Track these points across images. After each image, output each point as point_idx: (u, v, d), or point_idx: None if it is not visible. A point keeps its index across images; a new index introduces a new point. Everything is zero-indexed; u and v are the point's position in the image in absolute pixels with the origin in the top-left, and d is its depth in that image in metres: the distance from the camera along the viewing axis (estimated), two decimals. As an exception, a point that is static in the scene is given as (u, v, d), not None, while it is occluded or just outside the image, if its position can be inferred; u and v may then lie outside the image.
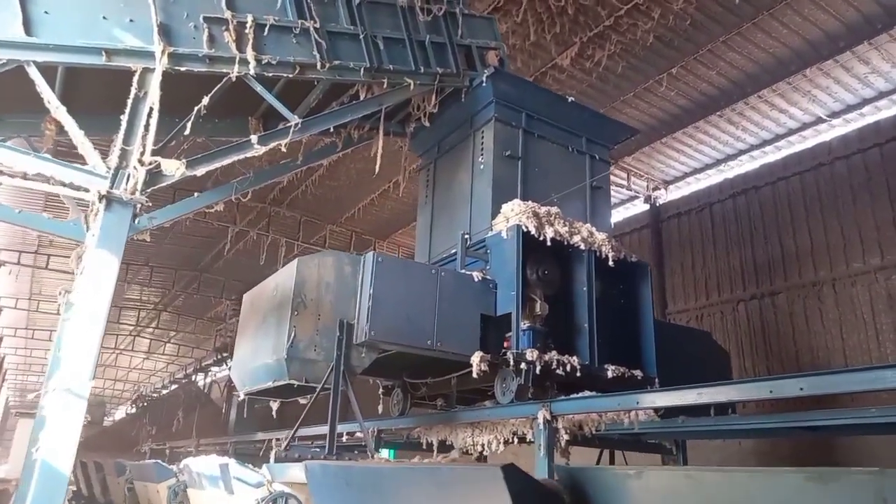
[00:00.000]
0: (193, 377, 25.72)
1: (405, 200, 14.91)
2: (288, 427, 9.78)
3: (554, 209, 6.08)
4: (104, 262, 3.68)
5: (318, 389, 5.00)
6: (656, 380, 6.10)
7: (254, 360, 5.48)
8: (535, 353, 5.46)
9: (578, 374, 5.64)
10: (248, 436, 11.96)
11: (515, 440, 5.46)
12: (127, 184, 3.98)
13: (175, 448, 12.84)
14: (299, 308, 5.05)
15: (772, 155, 11.30)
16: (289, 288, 5.11)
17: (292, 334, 4.94)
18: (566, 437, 4.83)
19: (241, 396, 5.82)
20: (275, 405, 6.29)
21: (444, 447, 6.11)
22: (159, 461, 9.09)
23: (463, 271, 5.80)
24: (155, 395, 26.59)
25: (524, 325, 5.64)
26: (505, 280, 5.71)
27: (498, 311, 5.73)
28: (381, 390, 7.04)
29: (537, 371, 5.43)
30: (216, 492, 6.07)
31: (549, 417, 4.68)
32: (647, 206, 12.59)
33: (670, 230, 11.92)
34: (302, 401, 6.11)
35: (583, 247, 6.05)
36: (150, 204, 4.07)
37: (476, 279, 5.73)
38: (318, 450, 5.35)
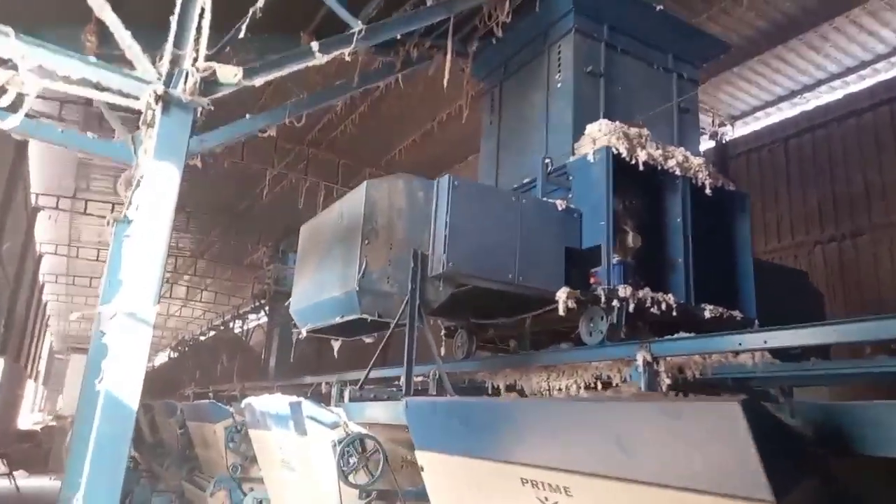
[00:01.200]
0: (231, 324, 25.75)
1: (449, 140, 14.24)
2: (334, 371, 9.40)
3: (644, 131, 5.42)
4: (165, 173, 3.17)
5: (392, 325, 4.51)
6: (756, 321, 5.51)
7: (318, 294, 5.00)
8: (629, 289, 4.90)
9: (674, 313, 5.09)
10: (295, 380, 11.64)
11: (599, 385, 4.94)
12: (185, 84, 3.43)
13: (219, 391, 12.67)
14: (370, 236, 4.52)
15: (854, 85, 10.36)
16: (358, 214, 4.58)
17: (363, 265, 4.42)
18: (667, 380, 4.17)
19: (303, 334, 5.38)
20: (336, 344, 5.85)
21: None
22: (215, 401, 8.79)
23: (545, 199, 5.22)
24: (195, 340, 26.72)
25: (614, 259, 5.07)
26: (592, 209, 5.10)
27: (584, 243, 5.16)
28: (443, 332, 6.55)
29: (630, 309, 4.88)
30: (284, 433, 5.66)
31: (649, 359, 4.04)
32: (712, 144, 11.74)
33: (738, 169, 11.09)
34: (367, 339, 5.66)
35: (678, 172, 5.40)
36: (212, 108, 3.52)
37: (560, 208, 5.14)
38: (394, 390, 4.90)
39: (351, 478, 4.36)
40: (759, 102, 11.36)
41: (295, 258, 20.31)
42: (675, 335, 4.66)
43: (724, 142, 11.53)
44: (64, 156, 15.33)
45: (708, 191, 5.49)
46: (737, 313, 5.44)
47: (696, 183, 5.50)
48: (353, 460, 4.43)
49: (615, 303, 4.81)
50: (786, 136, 10.63)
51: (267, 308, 19.87)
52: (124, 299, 3.47)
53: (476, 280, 4.70)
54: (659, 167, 5.34)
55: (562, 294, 4.82)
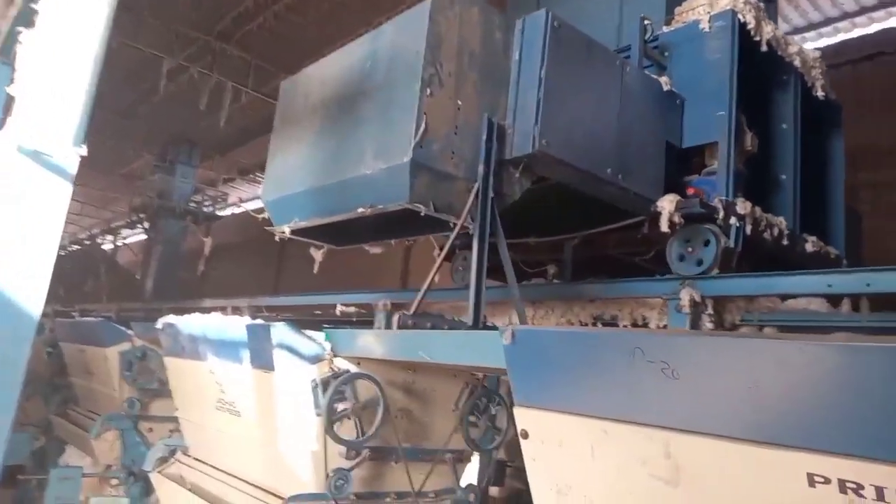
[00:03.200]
0: (99, 239, 22.70)
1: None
2: (240, 294, 7.69)
3: (761, 3, 4.13)
4: None
5: (456, 227, 3.02)
6: (844, 260, 4.53)
7: (324, 175, 3.36)
8: (748, 205, 3.70)
9: (785, 241, 3.96)
10: (190, 302, 9.58)
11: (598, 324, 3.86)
12: None
13: (87, 311, 10.68)
14: (433, 84, 2.93)
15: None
16: (416, 50, 2.94)
17: (422, 126, 2.86)
18: (709, 324, 3.27)
19: (285, 234, 3.72)
20: (319, 255, 4.22)
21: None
22: (107, 319, 6.99)
23: (647, 73, 3.83)
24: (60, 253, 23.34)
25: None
26: (704, 95, 3.79)
27: (686, 140, 3.87)
28: (436, 250, 5.04)
29: (748, 231, 3.68)
30: (230, 365, 4.10)
31: (698, 298, 3.17)
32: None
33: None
34: (374, 250, 4.10)
35: (797, 64, 4.21)
36: None
37: (665, 87, 3.79)
38: (446, 317, 3.44)
39: (341, 431, 3.23)
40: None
41: (185, 171, 18.02)
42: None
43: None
44: None
45: (820, 93, 4.35)
46: (833, 249, 4.42)
47: (807, 82, 4.35)
48: (340, 407, 3.22)
49: (733, 220, 3.59)
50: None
51: (147, 224, 17.42)
52: (29, 130, 1.92)
53: (569, 171, 3.27)
54: (779, 52, 4.11)
55: (668, 204, 3.53)
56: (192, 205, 17.67)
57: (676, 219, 3.53)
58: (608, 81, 3.43)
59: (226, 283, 17.90)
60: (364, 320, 5.06)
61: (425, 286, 3.10)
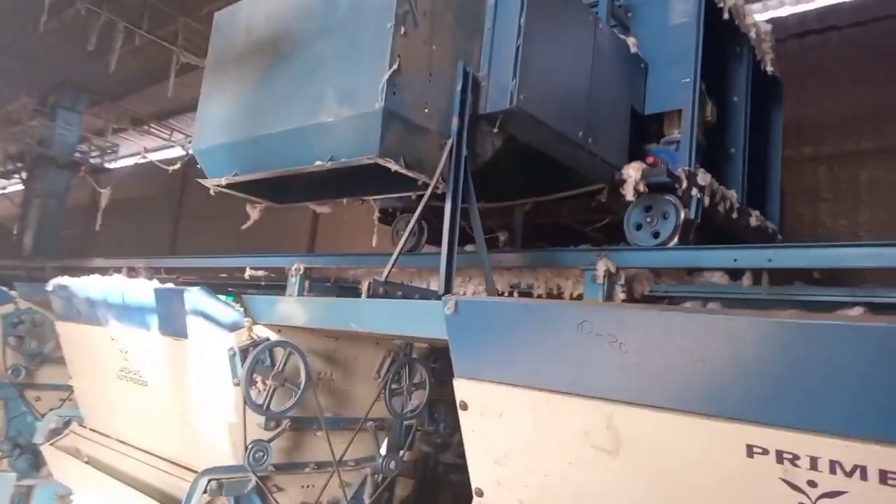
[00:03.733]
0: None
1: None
2: (133, 254, 7.15)
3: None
4: None
5: (430, 186, 2.72)
6: (779, 235, 4.63)
7: (274, 122, 2.93)
8: (708, 176, 3.65)
9: (735, 214, 3.97)
10: (78, 262, 8.77)
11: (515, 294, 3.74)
12: None
13: None
14: (407, 23, 2.62)
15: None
16: None
17: (394, 69, 2.54)
18: (622, 296, 3.23)
19: (220, 185, 3.29)
20: (255, 212, 3.81)
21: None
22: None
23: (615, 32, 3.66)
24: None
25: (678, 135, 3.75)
26: (668, 60, 3.70)
27: (647, 106, 3.76)
28: (376, 214, 4.77)
29: (706, 203, 3.63)
30: (136, 331, 3.76)
31: (612, 269, 3.12)
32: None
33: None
34: (321, 209, 3.77)
35: (752, 35, 4.19)
36: None
37: (632, 49, 3.65)
38: (419, 286, 3.19)
39: (261, 401, 3.11)
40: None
41: (69, 117, 16.43)
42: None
43: None
44: None
45: (769, 67, 4.38)
46: (770, 224, 4.50)
47: (757, 55, 4.35)
48: (260, 377, 3.15)
49: (694, 192, 3.53)
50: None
51: (24, 174, 15.87)
52: None
53: (543, 132, 3.05)
54: (736, 22, 4.06)
55: (634, 172, 3.42)
56: (78, 155, 16.20)
57: (641, 188, 3.42)
58: (582, 37, 3.25)
59: (118, 241, 16.68)
60: (274, 285, 4.85)
61: (397, 251, 2.81)
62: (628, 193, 3.42)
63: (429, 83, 2.70)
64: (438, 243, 3.83)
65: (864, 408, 1.28)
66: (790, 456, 1.34)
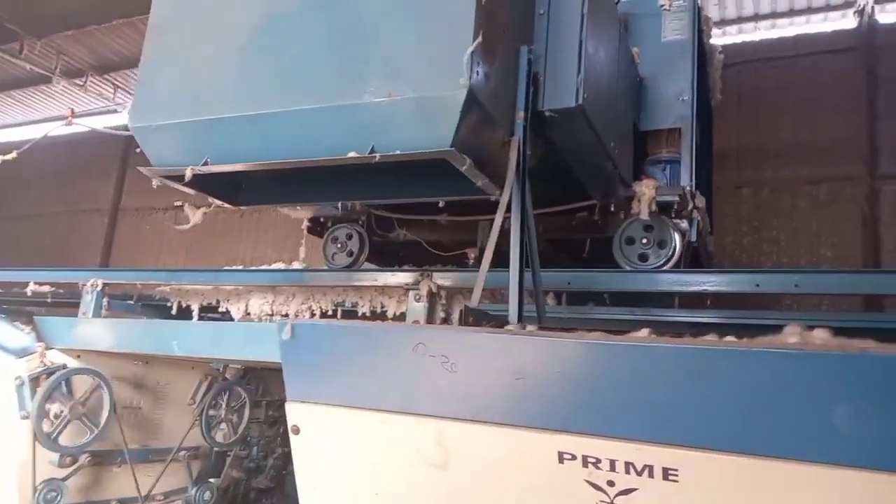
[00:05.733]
0: None
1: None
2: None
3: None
4: None
5: (504, 193, 2.24)
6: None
7: (281, 97, 2.30)
8: (703, 199, 3.56)
9: (706, 238, 3.95)
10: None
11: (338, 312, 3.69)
12: None
13: None
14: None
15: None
16: None
17: (479, 41, 2.02)
18: (442, 314, 3.31)
19: (172, 177, 2.54)
20: (198, 214, 3.03)
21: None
22: None
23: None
24: None
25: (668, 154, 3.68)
26: (664, 77, 3.68)
27: (642, 122, 3.69)
28: (305, 224, 4.09)
29: (700, 227, 3.50)
30: None
31: (434, 289, 3.17)
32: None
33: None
34: (297, 214, 3.77)
35: (708, 57, 4.33)
36: None
37: (636, 59, 3.62)
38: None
39: (55, 436, 2.84)
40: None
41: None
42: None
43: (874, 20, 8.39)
44: None
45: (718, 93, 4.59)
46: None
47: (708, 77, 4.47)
48: (54, 408, 2.89)
49: (695, 214, 3.40)
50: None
51: None
52: None
53: (589, 138, 2.70)
54: (704, 41, 4.11)
55: (647, 189, 3.24)
56: None
57: (654, 207, 3.24)
58: (614, 39, 3.04)
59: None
60: (63, 303, 4.37)
61: (483, 272, 2.26)
62: (643, 212, 3.22)
63: (496, 66, 2.21)
64: (380, 260, 3.99)
65: (649, 415, 1.48)
66: (593, 460, 1.54)
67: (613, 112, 3.02)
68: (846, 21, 8.52)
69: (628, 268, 3.26)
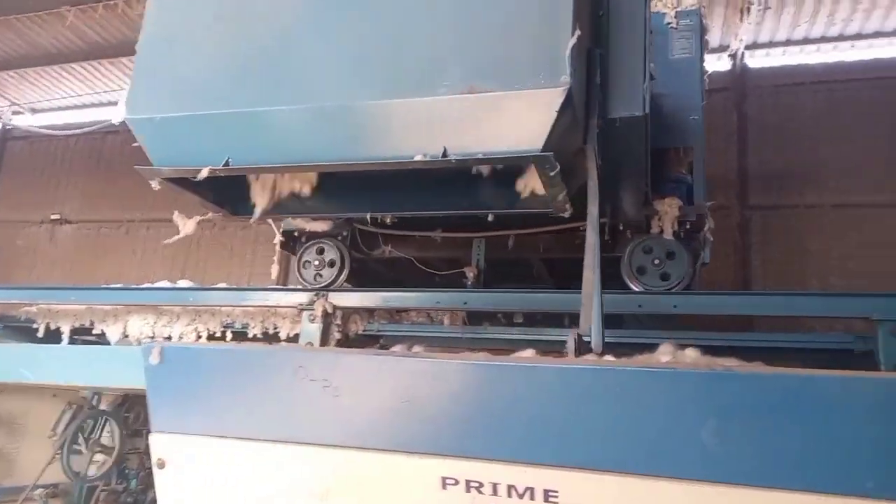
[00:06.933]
0: None
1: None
2: None
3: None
4: None
5: (592, 203, 2.09)
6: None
7: (335, 90, 2.00)
8: (712, 220, 3.29)
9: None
10: None
11: (227, 334, 3.49)
12: None
13: None
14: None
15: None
16: None
17: (578, 34, 1.86)
18: (338, 334, 3.21)
19: (176, 177, 2.21)
20: (191, 224, 2.70)
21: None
22: None
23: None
24: None
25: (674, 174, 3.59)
26: (674, 96, 3.54)
27: (652, 140, 3.49)
28: (278, 239, 3.69)
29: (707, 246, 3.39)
30: None
31: (329, 309, 3.08)
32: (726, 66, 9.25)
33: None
34: (312, 226, 3.35)
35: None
36: None
37: (654, 75, 3.45)
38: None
39: None
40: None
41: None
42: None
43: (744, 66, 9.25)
44: None
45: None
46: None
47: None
48: None
49: (708, 234, 3.24)
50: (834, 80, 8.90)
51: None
52: None
53: (641, 150, 2.56)
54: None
55: (670, 209, 2.99)
56: None
57: (676, 226, 3.02)
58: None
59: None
60: None
61: (588, 296, 1.99)
62: (667, 231, 2.99)
63: (578, 67, 1.99)
64: (362, 280, 3.73)
65: (530, 437, 1.52)
66: (476, 484, 1.53)
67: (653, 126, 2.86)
68: (721, 63, 9.16)
69: (636, 288, 3.03)
